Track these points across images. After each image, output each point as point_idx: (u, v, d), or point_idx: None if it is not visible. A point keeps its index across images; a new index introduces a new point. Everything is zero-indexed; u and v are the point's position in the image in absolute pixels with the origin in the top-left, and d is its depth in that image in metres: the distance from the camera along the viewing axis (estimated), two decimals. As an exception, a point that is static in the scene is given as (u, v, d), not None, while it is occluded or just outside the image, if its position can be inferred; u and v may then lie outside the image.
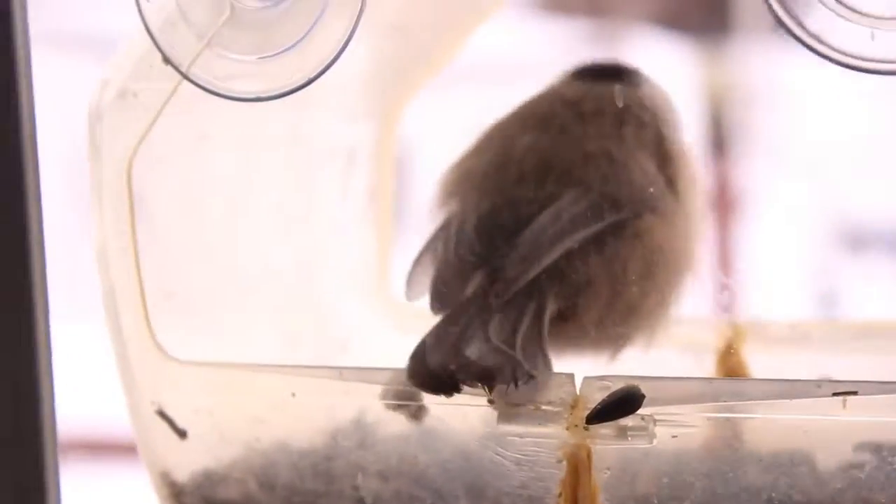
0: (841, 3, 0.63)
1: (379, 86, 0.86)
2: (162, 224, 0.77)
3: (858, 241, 3.23)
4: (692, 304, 0.81)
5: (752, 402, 0.68)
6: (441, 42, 0.86)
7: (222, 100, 0.70)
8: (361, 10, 0.67)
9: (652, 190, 0.77)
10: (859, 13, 0.63)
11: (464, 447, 0.69)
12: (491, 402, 0.67)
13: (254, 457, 0.72)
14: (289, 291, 0.85)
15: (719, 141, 3.22)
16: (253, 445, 0.72)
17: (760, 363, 0.83)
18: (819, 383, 0.66)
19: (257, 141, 0.82)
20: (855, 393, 0.65)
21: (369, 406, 0.70)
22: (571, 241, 0.73)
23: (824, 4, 0.63)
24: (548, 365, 0.70)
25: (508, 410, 0.67)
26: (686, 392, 0.67)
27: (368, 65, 0.85)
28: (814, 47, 0.64)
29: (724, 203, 3.17)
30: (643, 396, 0.66)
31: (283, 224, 0.85)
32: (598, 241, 0.74)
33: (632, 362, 0.78)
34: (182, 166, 0.79)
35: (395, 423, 0.69)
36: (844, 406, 0.65)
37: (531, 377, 0.66)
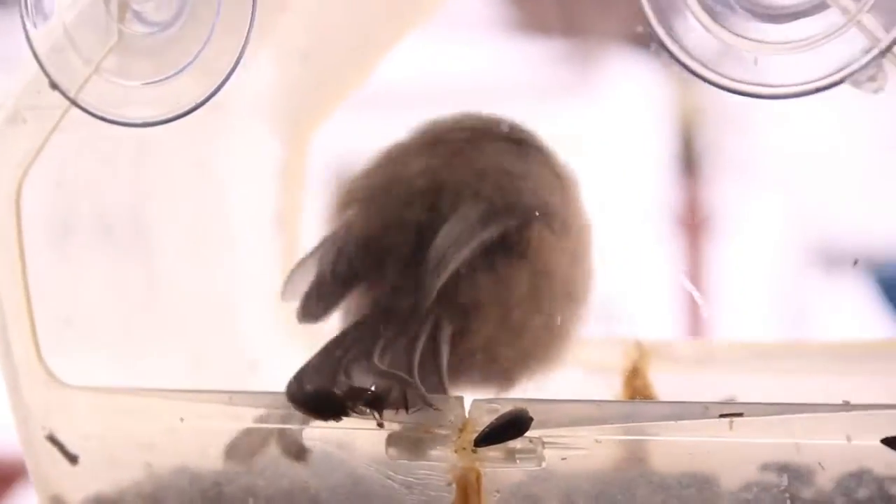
0: (724, 27, 0.63)
1: (288, 110, 0.86)
2: (63, 248, 0.77)
3: (830, 261, 3.23)
4: (601, 326, 0.81)
5: (649, 424, 0.68)
6: (351, 65, 0.86)
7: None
8: (248, 37, 0.67)
9: (549, 199, 0.77)
10: (743, 38, 0.64)
11: (354, 472, 0.68)
12: (380, 425, 0.67)
13: (144, 482, 0.72)
14: (196, 314, 0.84)
15: (690, 160, 3.22)
16: (144, 471, 0.71)
17: (667, 384, 0.83)
18: (707, 405, 0.66)
19: (165, 164, 0.82)
20: (741, 415, 0.65)
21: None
22: (471, 251, 0.73)
23: (708, 30, 0.63)
24: (444, 388, 0.70)
25: (397, 434, 0.67)
26: (576, 414, 0.67)
27: (276, 89, 0.85)
28: (700, 73, 0.64)
29: (695, 223, 3.18)
30: (531, 419, 0.66)
31: (191, 247, 0.84)
32: (487, 261, 0.74)
33: (537, 384, 0.78)
34: (87, 190, 0.79)
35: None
36: (731, 428, 0.65)
37: (425, 401, 0.66)
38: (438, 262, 0.72)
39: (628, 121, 3.31)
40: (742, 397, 0.78)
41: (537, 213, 0.75)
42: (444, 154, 0.77)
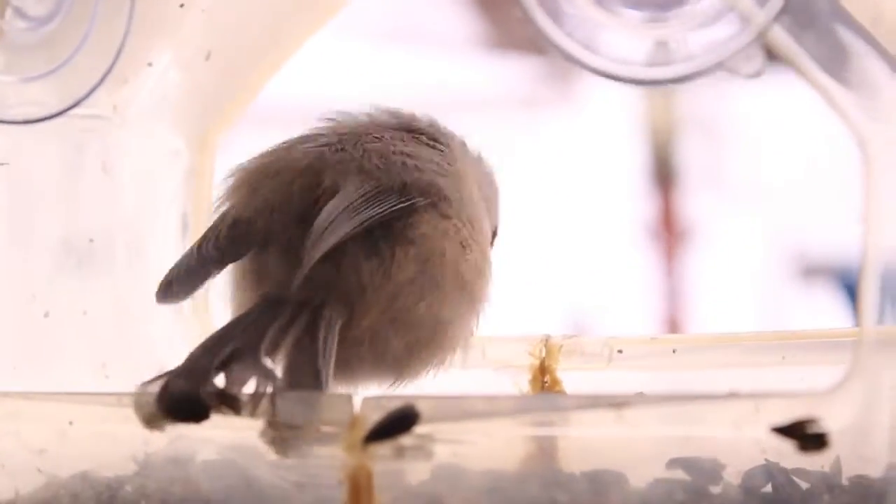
0: (604, 13, 0.63)
1: (193, 110, 0.85)
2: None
3: (808, 271, 3.22)
4: (510, 323, 0.80)
5: (546, 419, 0.68)
6: (256, 64, 0.86)
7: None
8: (128, 28, 0.66)
9: (443, 181, 0.75)
10: (622, 24, 0.63)
11: (246, 472, 0.68)
12: (269, 424, 0.66)
13: (39, 488, 0.70)
14: (102, 319, 0.83)
15: (665, 173, 3.23)
16: (36, 476, 0.70)
17: (577, 380, 0.82)
18: (596, 398, 0.65)
19: (65, 166, 0.81)
20: (627, 405, 0.64)
21: (151, 433, 0.68)
22: (356, 224, 0.72)
23: (588, 16, 0.63)
24: (324, 384, 0.69)
25: (286, 433, 0.66)
26: (468, 409, 0.66)
27: (180, 89, 0.84)
28: (578, 58, 0.63)
29: (671, 234, 3.18)
30: (418, 415, 0.65)
31: (96, 250, 0.83)
32: (371, 244, 0.73)
33: (446, 381, 0.77)
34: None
35: (175, 450, 0.68)
36: (620, 419, 0.64)
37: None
38: (317, 239, 0.71)
39: (606, 135, 3.31)
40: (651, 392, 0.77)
41: (426, 198, 0.74)
42: (333, 138, 0.76)
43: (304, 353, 0.69)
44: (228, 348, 0.67)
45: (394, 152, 0.75)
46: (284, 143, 0.78)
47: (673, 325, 3.05)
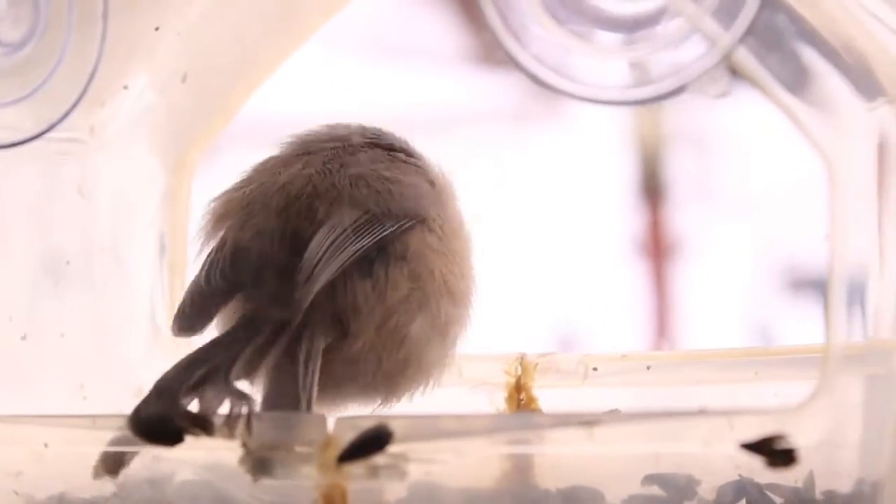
0: (570, 35, 0.63)
1: (169, 132, 0.86)
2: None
3: (797, 284, 3.22)
4: (485, 341, 0.81)
5: (520, 436, 0.68)
6: (232, 89, 0.86)
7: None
8: (101, 52, 0.67)
9: (425, 202, 0.77)
10: (588, 45, 0.64)
11: (223, 493, 0.68)
12: (244, 445, 0.66)
13: (16, 511, 0.71)
14: (79, 341, 0.83)
15: (653, 187, 3.23)
16: (13, 498, 0.70)
17: (553, 397, 0.82)
18: (567, 416, 0.66)
19: (40, 189, 0.81)
20: (598, 423, 0.64)
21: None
22: (348, 256, 0.73)
23: (553, 37, 0.63)
24: (308, 405, 0.70)
25: (261, 453, 0.66)
26: (442, 428, 0.66)
27: (157, 111, 0.84)
28: (544, 79, 0.64)
29: (660, 248, 3.18)
30: (390, 434, 0.65)
31: (73, 272, 0.84)
32: (364, 266, 0.74)
33: (420, 400, 0.78)
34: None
35: (152, 471, 0.68)
36: (594, 437, 0.65)
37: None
38: (311, 271, 0.71)
39: (594, 149, 3.31)
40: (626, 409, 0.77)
41: (411, 220, 0.75)
42: (317, 162, 0.77)
43: (284, 376, 0.69)
44: (202, 370, 0.67)
45: (378, 178, 0.76)
46: (263, 165, 0.78)
47: (662, 340, 3.06)
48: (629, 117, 3.26)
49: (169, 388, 0.66)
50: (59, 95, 0.68)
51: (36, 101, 0.68)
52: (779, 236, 3.24)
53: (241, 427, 0.65)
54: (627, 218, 3.23)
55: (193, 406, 0.66)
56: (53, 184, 0.82)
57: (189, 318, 0.74)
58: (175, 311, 0.74)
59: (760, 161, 3.18)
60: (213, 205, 0.78)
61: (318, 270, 0.72)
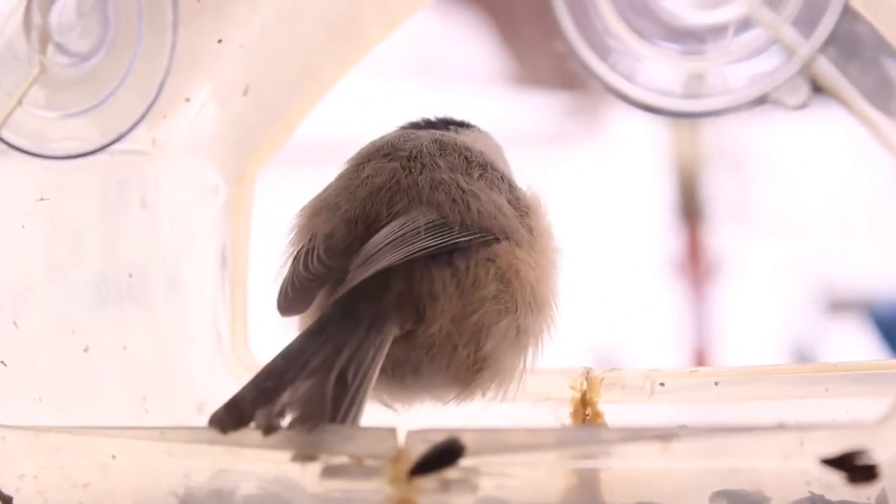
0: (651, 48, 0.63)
1: (230, 144, 0.85)
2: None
3: (835, 304, 3.21)
4: (552, 357, 0.80)
5: (589, 451, 0.67)
6: (292, 102, 0.86)
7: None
8: (171, 63, 0.67)
9: (504, 221, 0.77)
10: (670, 58, 0.63)
11: (290, 506, 0.67)
12: (312, 457, 0.66)
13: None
14: (142, 355, 0.83)
15: (691, 207, 3.22)
16: (80, 509, 0.70)
17: (618, 412, 0.81)
18: (643, 430, 0.65)
19: (104, 202, 0.81)
20: (676, 437, 0.64)
21: (193, 466, 0.68)
22: (413, 251, 0.74)
23: (636, 53, 0.63)
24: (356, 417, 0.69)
25: (331, 466, 0.66)
26: (512, 442, 0.66)
27: (219, 126, 0.84)
28: (627, 94, 0.63)
29: (698, 268, 3.17)
30: (463, 448, 0.65)
31: (135, 287, 0.83)
32: (444, 255, 0.75)
33: (484, 413, 0.77)
34: (24, 230, 0.78)
35: (220, 484, 0.68)
36: (665, 451, 0.64)
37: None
38: (369, 256, 0.73)
39: (632, 170, 3.31)
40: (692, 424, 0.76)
41: (485, 235, 0.76)
42: (401, 157, 0.79)
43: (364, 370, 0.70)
44: (290, 374, 0.68)
45: (458, 188, 0.77)
46: (344, 171, 0.80)
47: (700, 358, 3.04)
48: (667, 136, 3.25)
49: (246, 396, 0.66)
50: (126, 106, 0.68)
51: (102, 112, 0.68)
52: (817, 257, 3.22)
53: (307, 437, 0.64)
54: (666, 238, 3.22)
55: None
56: (116, 196, 0.82)
57: (292, 300, 0.75)
58: (277, 295, 0.76)
59: (799, 180, 3.17)
60: (304, 209, 0.79)
61: (376, 257, 0.73)
